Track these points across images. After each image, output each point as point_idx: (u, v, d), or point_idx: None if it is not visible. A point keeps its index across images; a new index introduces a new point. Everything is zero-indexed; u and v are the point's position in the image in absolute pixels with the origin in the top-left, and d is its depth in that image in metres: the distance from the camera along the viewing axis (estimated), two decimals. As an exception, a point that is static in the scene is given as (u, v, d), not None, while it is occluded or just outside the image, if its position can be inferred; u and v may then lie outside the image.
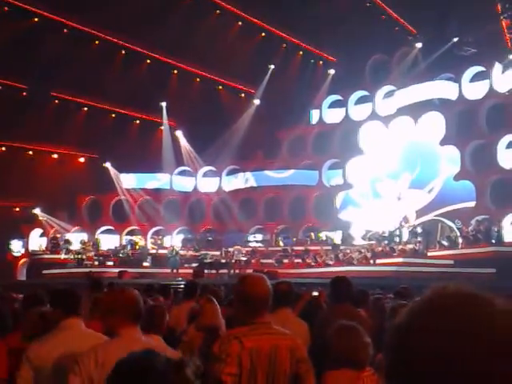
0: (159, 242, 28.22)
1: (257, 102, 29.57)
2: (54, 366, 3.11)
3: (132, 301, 2.89)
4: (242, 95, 30.71)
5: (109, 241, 28.13)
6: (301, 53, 29.10)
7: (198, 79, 29.13)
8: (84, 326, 3.37)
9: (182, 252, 25.45)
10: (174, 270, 22.95)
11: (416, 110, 25.41)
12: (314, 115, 29.78)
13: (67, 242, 26.65)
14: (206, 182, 30.20)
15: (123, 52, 27.28)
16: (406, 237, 23.04)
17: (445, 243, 21.74)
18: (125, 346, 2.79)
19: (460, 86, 24.68)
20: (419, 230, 22.92)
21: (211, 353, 2.73)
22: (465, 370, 0.77)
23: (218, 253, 25.47)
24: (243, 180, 29.48)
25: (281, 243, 26.32)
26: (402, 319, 0.87)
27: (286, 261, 23.89)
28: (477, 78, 24.69)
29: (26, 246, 28.29)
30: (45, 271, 24.29)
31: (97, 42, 26.49)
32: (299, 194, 27.64)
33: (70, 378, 2.72)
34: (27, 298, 4.60)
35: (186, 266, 23.81)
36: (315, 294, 6.14)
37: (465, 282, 0.91)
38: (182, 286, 6.44)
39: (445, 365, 0.78)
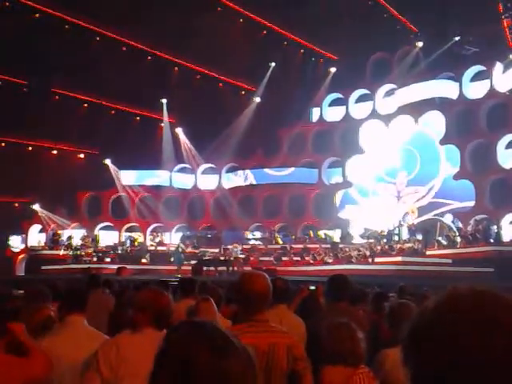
0: (158, 238, 28.24)
1: (257, 99, 29.56)
2: (56, 362, 3.11)
3: (162, 303, 2.94)
4: (243, 93, 30.68)
5: (108, 237, 28.14)
6: (302, 51, 29.07)
7: (198, 76, 29.10)
8: (86, 323, 3.39)
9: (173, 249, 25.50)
10: (181, 268, 22.46)
11: (416, 108, 25.42)
12: (315, 113, 29.78)
13: (70, 238, 26.67)
14: (206, 180, 30.21)
15: (124, 48, 27.25)
16: (404, 236, 23.07)
17: (443, 242, 21.77)
18: (148, 342, 2.81)
19: (461, 86, 24.68)
20: (418, 229, 22.98)
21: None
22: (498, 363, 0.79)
23: (216, 250, 25.49)
24: (243, 177, 29.49)
25: (280, 241, 26.34)
26: (428, 318, 0.88)
27: (284, 258, 23.91)
28: (477, 77, 24.68)
29: (25, 241, 28.30)
30: (43, 267, 24.28)
31: (97, 39, 26.47)
32: (299, 192, 27.65)
33: (89, 374, 2.74)
34: (30, 294, 4.53)
35: (184, 263, 23.79)
36: (312, 287, 6.17)
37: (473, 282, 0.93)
38: (180, 283, 6.41)
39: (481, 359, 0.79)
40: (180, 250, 24.24)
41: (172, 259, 24.28)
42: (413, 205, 25.27)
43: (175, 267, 22.86)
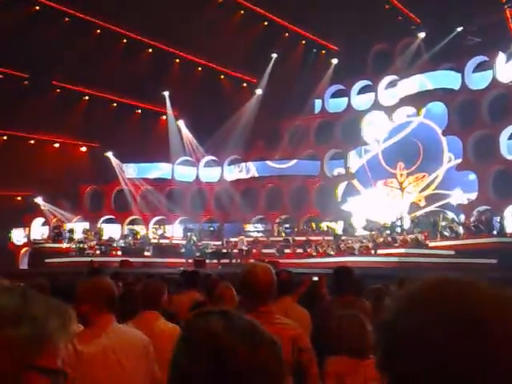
0: (161, 231, 28.28)
1: (259, 91, 29.46)
2: None
3: (109, 289, 2.92)
4: (244, 85, 30.59)
5: (110, 230, 28.18)
6: (303, 42, 28.93)
7: (199, 68, 29.00)
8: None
9: (184, 242, 25.53)
10: (190, 260, 22.26)
11: (419, 99, 25.34)
12: (317, 105, 29.70)
13: (71, 231, 26.73)
14: (208, 172, 30.19)
15: (124, 41, 27.17)
16: (407, 227, 23.04)
17: (446, 234, 21.74)
18: (102, 335, 2.78)
19: (463, 76, 24.56)
20: (421, 220, 22.98)
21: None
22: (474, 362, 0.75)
23: (219, 243, 25.52)
24: (245, 170, 29.47)
25: (283, 233, 26.35)
26: (394, 316, 0.83)
27: (287, 251, 23.93)
28: (480, 68, 24.56)
29: (27, 235, 28.36)
30: (47, 260, 24.35)
31: (98, 31, 26.38)
32: (301, 184, 27.62)
33: None
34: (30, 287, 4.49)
35: (197, 255, 23.69)
36: (315, 279, 6.19)
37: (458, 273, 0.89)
38: (183, 276, 6.43)
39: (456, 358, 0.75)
40: (192, 242, 24.23)
41: (183, 251, 24.19)
42: (419, 194, 25.17)
43: (186, 260, 22.52)
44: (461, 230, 21.56)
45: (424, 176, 25.16)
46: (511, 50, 23.33)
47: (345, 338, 3.06)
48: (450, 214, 23.15)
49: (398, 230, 22.92)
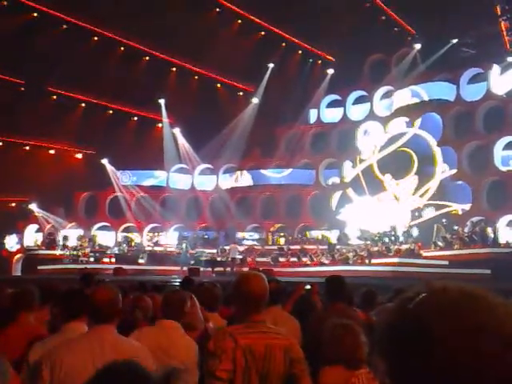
0: (156, 239, 28.19)
1: (255, 100, 29.54)
2: (56, 370, 3.05)
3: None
4: (241, 94, 30.67)
5: (105, 237, 28.08)
6: (300, 52, 29.08)
7: (196, 77, 29.08)
8: (87, 329, 3.18)
9: (178, 250, 25.46)
10: (184, 268, 22.18)
11: (414, 110, 25.46)
12: (312, 114, 29.81)
13: (66, 238, 26.60)
14: (203, 180, 30.18)
15: (122, 48, 27.22)
16: (401, 237, 23.06)
17: (440, 244, 21.78)
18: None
19: (458, 88, 24.74)
20: (415, 230, 23.02)
21: (206, 349, 2.73)
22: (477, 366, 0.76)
23: (214, 251, 25.47)
24: (240, 178, 29.49)
25: (281, 240, 26.32)
26: (400, 320, 0.83)
27: (281, 259, 23.90)
28: (475, 79, 24.75)
29: (21, 241, 28.20)
30: (40, 267, 24.20)
31: (95, 38, 26.42)
32: (296, 193, 27.66)
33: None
34: (17, 294, 4.10)
35: (191, 262, 23.61)
36: (308, 287, 6.20)
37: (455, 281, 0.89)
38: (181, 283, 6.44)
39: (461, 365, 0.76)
40: (185, 250, 24.19)
41: (178, 259, 24.09)
42: (419, 199, 25.07)
43: (181, 267, 22.49)
44: (455, 240, 21.60)
45: (414, 179, 25.16)
46: (506, 62, 23.53)
47: (338, 348, 3.05)
48: (444, 224, 23.17)
49: (392, 239, 22.95)
